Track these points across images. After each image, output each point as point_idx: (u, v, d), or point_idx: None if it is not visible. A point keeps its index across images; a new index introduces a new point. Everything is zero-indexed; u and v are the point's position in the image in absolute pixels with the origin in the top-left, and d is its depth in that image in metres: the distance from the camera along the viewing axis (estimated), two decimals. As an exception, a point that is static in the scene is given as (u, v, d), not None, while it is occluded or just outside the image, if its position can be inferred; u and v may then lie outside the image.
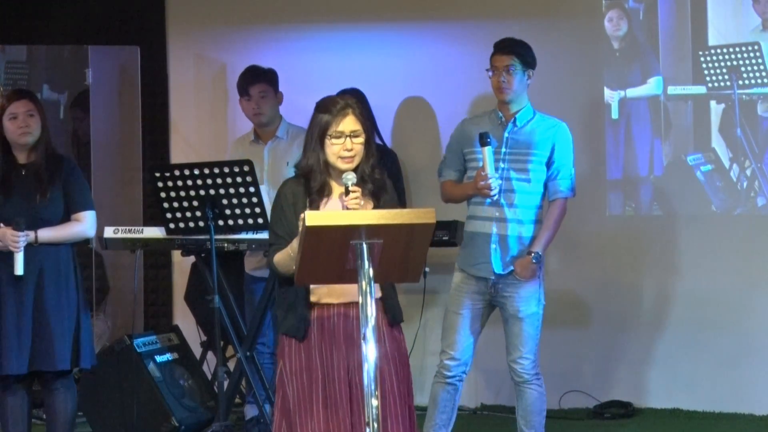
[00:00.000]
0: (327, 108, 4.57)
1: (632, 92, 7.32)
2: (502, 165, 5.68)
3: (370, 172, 4.58)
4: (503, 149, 5.71)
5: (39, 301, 5.56)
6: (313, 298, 4.52)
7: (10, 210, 5.56)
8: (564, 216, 5.78)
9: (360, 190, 4.48)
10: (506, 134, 5.73)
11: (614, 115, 7.34)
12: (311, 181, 4.57)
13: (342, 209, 4.49)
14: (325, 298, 4.51)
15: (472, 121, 5.90)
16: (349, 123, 4.53)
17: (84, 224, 5.68)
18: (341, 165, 4.53)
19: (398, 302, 4.67)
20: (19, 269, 5.51)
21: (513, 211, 5.69)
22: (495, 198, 5.62)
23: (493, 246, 5.69)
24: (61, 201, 5.63)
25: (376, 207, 4.58)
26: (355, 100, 4.60)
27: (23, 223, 5.50)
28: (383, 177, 4.65)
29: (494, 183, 5.56)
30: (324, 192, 4.57)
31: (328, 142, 4.53)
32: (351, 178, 4.47)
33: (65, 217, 5.65)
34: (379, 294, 4.55)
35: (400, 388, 4.58)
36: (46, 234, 5.57)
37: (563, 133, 5.78)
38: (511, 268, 5.70)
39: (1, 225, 5.53)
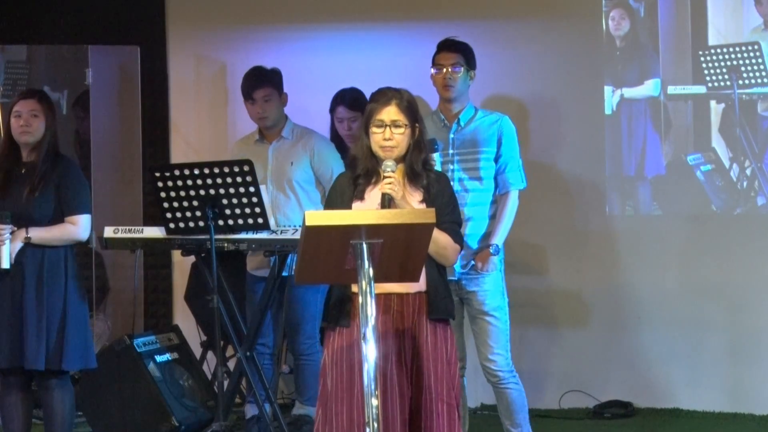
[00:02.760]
0: (375, 97, 4.69)
1: (629, 92, 7.31)
2: (451, 166, 5.76)
3: (421, 167, 4.65)
4: (450, 151, 5.78)
5: (17, 298, 5.55)
6: (355, 289, 4.52)
7: (1, 206, 5.56)
8: (516, 208, 5.83)
9: (394, 176, 4.54)
10: (451, 135, 5.81)
11: (608, 110, 7.34)
12: (357, 168, 4.66)
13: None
14: None
15: None
16: (391, 113, 4.61)
17: (77, 228, 5.65)
18: (381, 154, 4.62)
19: (447, 296, 4.68)
20: (5, 262, 5.50)
21: (467, 210, 5.73)
22: None
23: None
24: (51, 201, 5.62)
25: (426, 199, 4.64)
26: (407, 93, 4.68)
27: (8, 216, 5.50)
28: (439, 175, 4.74)
29: None
30: (371, 179, 4.65)
31: (371, 130, 4.62)
32: (390, 165, 4.57)
33: (57, 218, 5.64)
34: (424, 287, 4.59)
35: (438, 385, 4.58)
36: (37, 233, 5.57)
37: (507, 126, 5.86)
38: (472, 263, 5.73)
39: None
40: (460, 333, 5.81)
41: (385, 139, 4.61)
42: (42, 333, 5.55)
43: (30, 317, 5.54)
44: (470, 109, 5.87)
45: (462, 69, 5.80)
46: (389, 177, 4.54)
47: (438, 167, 5.57)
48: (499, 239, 5.76)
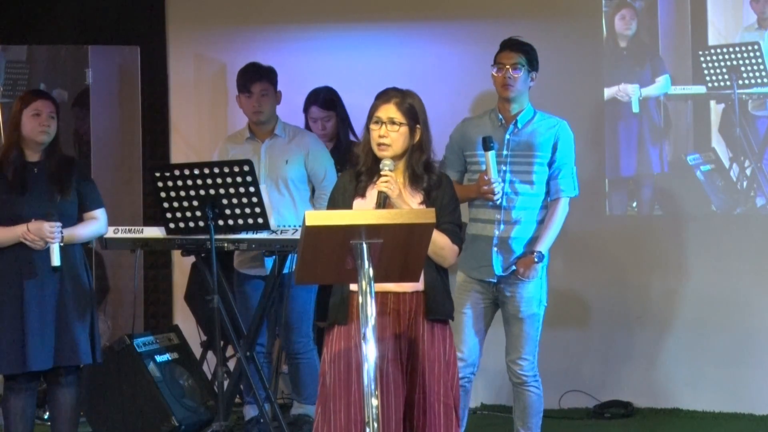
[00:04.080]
0: (378, 95, 4.73)
1: (646, 91, 7.31)
2: (503, 167, 5.66)
3: (422, 170, 4.67)
4: (504, 152, 5.69)
5: (60, 298, 5.60)
6: (353, 287, 4.53)
7: (28, 207, 5.57)
8: (566, 215, 5.75)
9: (391, 175, 4.57)
10: (507, 136, 5.71)
11: (635, 109, 7.33)
12: (360, 166, 4.70)
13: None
14: None
15: (472, 122, 5.87)
16: (388, 110, 4.65)
17: (99, 222, 5.76)
18: (377, 152, 4.64)
19: (446, 297, 4.68)
20: (56, 260, 5.53)
21: (516, 213, 5.68)
22: (498, 201, 5.61)
23: (494, 249, 5.68)
24: (76, 200, 5.69)
25: (425, 202, 4.65)
26: (412, 95, 4.71)
27: (56, 215, 5.54)
28: (441, 177, 4.74)
29: (497, 187, 5.55)
30: (372, 177, 4.67)
31: (370, 127, 4.67)
32: (388, 163, 4.60)
33: (79, 217, 5.71)
34: (421, 287, 4.60)
35: (435, 385, 4.59)
36: (69, 233, 5.62)
37: (565, 131, 5.76)
38: (513, 268, 5.69)
39: (33, 221, 5.54)
40: (482, 338, 5.78)
41: (380, 136, 4.62)
42: (85, 328, 5.64)
43: (74, 315, 5.61)
44: (529, 110, 5.74)
45: (523, 69, 5.68)
46: (385, 175, 4.56)
47: (494, 168, 5.55)
48: (544, 246, 5.67)
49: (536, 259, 5.65)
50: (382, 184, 4.54)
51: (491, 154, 5.54)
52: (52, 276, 5.57)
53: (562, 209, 5.74)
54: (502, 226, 5.68)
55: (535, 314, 5.72)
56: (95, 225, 5.74)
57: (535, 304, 5.72)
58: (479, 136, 5.61)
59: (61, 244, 5.57)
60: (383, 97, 4.69)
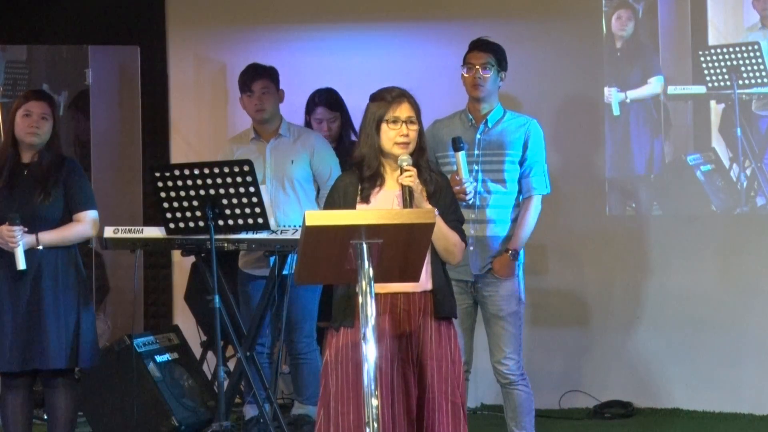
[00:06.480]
0: (382, 96, 4.68)
1: (633, 94, 7.32)
2: (475, 167, 5.70)
3: (426, 166, 4.68)
4: (476, 151, 5.73)
5: (35, 300, 5.57)
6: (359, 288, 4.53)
7: (9, 209, 5.56)
8: (539, 213, 5.77)
9: (415, 170, 4.56)
10: (478, 136, 5.75)
11: (615, 112, 7.34)
12: (364, 170, 4.65)
13: (395, 195, 4.60)
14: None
15: (443, 123, 5.88)
16: (405, 110, 4.63)
17: (85, 224, 5.69)
18: (396, 150, 4.62)
19: (451, 296, 4.69)
20: (21, 264, 5.50)
21: (489, 211, 5.71)
22: (470, 201, 5.62)
23: (470, 248, 5.68)
24: (61, 201, 5.64)
25: (430, 194, 4.63)
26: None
27: (17, 218, 5.51)
28: (441, 175, 4.76)
29: (469, 187, 5.56)
30: (376, 181, 4.65)
31: (384, 127, 4.63)
32: (406, 158, 4.58)
33: (66, 217, 5.66)
34: (429, 286, 4.60)
35: (442, 384, 4.59)
36: (47, 237, 5.58)
37: (535, 130, 5.79)
38: (489, 267, 5.71)
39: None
40: (470, 337, 5.78)
41: (402, 135, 4.61)
42: (62, 332, 5.58)
43: (50, 318, 5.56)
44: (499, 110, 5.79)
45: (492, 69, 5.73)
46: (408, 170, 4.55)
47: (465, 168, 5.56)
48: (518, 244, 5.70)
49: (511, 257, 5.68)
50: (406, 179, 4.54)
51: (461, 155, 5.55)
52: (26, 278, 5.55)
53: (534, 207, 5.77)
54: (476, 225, 5.70)
55: (516, 312, 5.73)
56: (78, 228, 5.67)
57: (514, 302, 5.73)
58: (450, 137, 5.63)
59: (40, 247, 5.54)
60: (389, 96, 4.65)
